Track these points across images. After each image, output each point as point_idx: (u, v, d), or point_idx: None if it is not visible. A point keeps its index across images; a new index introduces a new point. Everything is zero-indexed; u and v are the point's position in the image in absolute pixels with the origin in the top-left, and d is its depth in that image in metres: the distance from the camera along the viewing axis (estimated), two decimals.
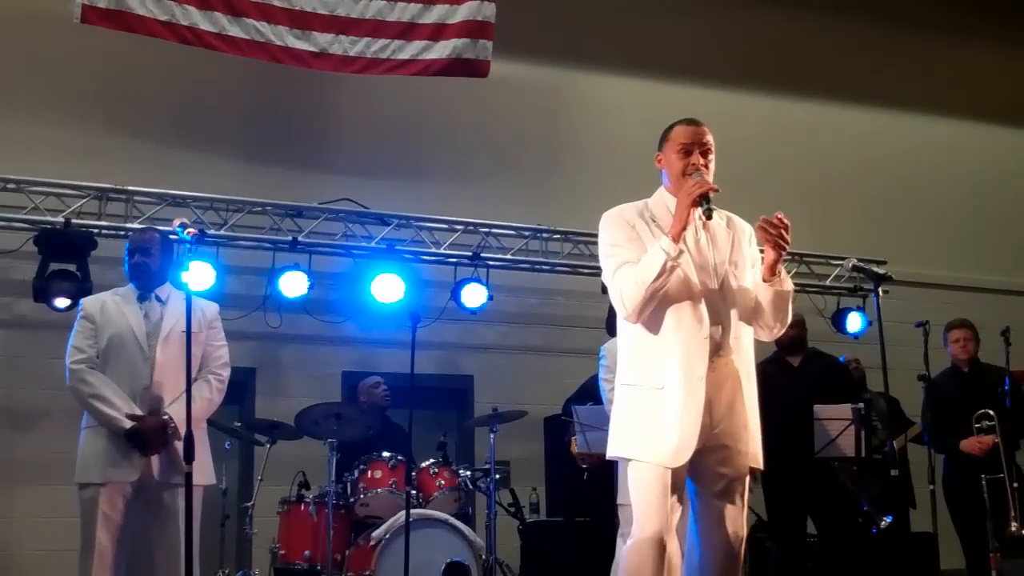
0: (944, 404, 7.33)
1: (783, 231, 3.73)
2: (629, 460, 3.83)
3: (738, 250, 3.93)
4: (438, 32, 8.24)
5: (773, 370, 7.52)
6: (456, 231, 8.56)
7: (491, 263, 8.49)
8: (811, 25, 10.53)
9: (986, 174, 11.07)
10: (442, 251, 8.49)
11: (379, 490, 6.65)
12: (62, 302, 7.22)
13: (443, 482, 6.80)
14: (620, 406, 3.89)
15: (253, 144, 8.58)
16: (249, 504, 6.70)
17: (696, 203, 3.71)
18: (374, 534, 6.41)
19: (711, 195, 3.72)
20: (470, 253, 8.47)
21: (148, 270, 5.18)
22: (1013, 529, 6.66)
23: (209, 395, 5.18)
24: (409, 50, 8.18)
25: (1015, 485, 6.75)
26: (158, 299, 5.16)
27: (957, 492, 7.25)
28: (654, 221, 3.89)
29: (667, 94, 9.93)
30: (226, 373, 5.31)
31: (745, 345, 3.91)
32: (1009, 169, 11.21)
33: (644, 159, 9.32)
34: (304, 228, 8.15)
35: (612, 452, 3.90)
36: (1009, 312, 7.73)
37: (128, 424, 4.86)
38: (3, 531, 7.41)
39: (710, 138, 3.96)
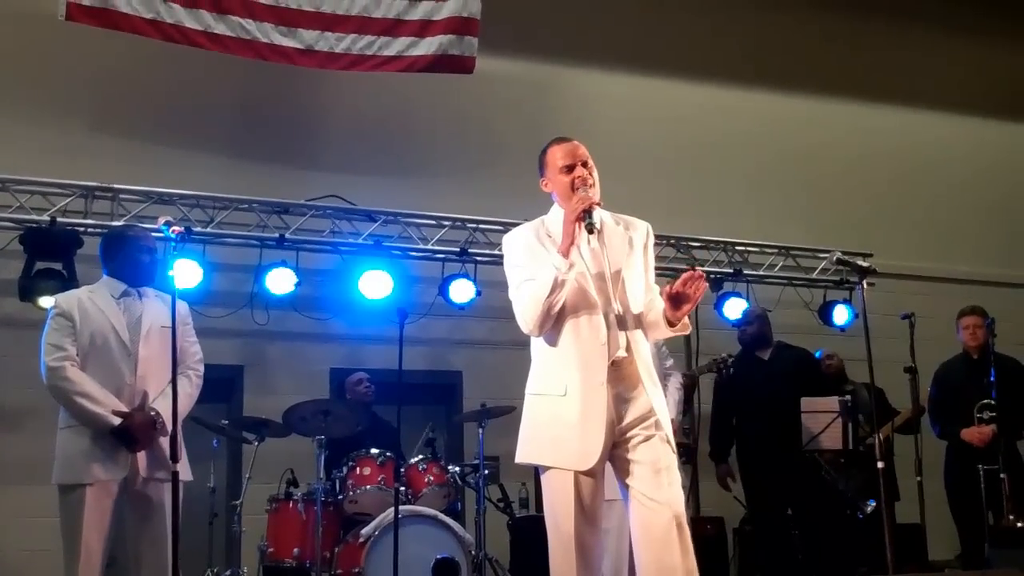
0: (950, 390, 7.38)
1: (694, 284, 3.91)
2: (541, 467, 4.00)
3: (634, 254, 4.08)
4: (424, 29, 8.23)
5: (743, 366, 7.59)
6: (443, 227, 8.55)
7: (479, 259, 8.48)
8: (800, 19, 10.55)
9: (973, 167, 11.10)
10: (429, 247, 8.48)
11: (368, 487, 6.66)
12: (48, 301, 7.14)
13: (432, 478, 6.81)
14: (528, 415, 4.06)
15: (239, 141, 8.56)
16: (237, 502, 6.70)
17: (580, 218, 3.87)
18: (363, 531, 6.41)
19: (593, 208, 3.91)
20: (458, 249, 8.46)
21: (156, 270, 5.18)
22: (1009, 520, 6.70)
23: (190, 390, 5.17)
24: (395, 47, 8.16)
25: (1002, 476, 6.79)
26: (138, 295, 5.14)
27: (956, 481, 7.29)
28: (550, 237, 4.04)
29: (654, 89, 9.97)
30: (202, 368, 5.29)
31: (643, 344, 4.05)
32: (996, 162, 11.26)
33: (630, 155, 9.41)
34: (291, 225, 8.13)
35: (521, 458, 4.06)
36: (995, 304, 7.73)
37: (116, 421, 4.82)
38: None
39: (584, 149, 4.12)
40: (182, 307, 5.27)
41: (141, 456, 4.87)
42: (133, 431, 4.83)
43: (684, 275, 3.92)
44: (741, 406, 7.47)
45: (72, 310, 4.99)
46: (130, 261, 5.15)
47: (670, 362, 6.84)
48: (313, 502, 6.43)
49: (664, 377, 6.64)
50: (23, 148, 7.71)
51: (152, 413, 4.90)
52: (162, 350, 4.90)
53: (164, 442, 4.82)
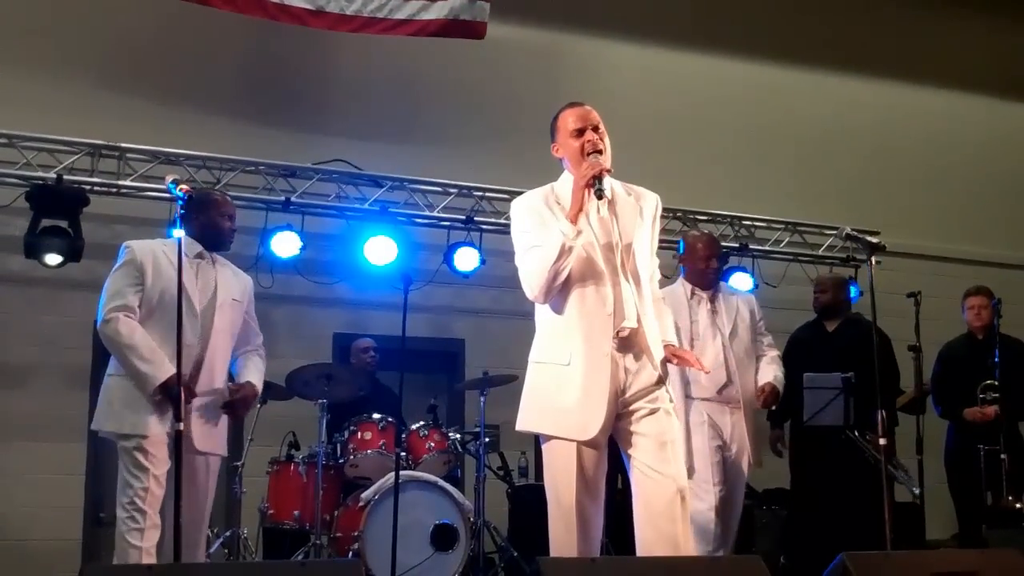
0: (953, 369, 7.37)
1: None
2: (543, 436, 3.99)
3: (643, 224, 4.08)
4: None
5: (806, 336, 7.50)
6: (450, 194, 8.53)
7: (484, 227, 8.47)
8: None
9: (980, 146, 11.04)
10: (435, 214, 8.46)
11: (369, 451, 6.69)
12: (53, 259, 7.21)
13: (433, 445, 6.84)
14: (531, 383, 4.05)
15: (247, 103, 8.52)
16: (239, 464, 6.74)
17: (589, 184, 3.85)
18: (363, 495, 6.44)
19: (604, 175, 3.88)
20: (463, 217, 8.44)
21: (232, 238, 5.19)
22: (1008, 500, 6.72)
23: (263, 368, 5.27)
24: (406, 10, 8.10)
25: (1003, 456, 6.80)
26: (212, 261, 5.06)
27: (957, 460, 7.29)
28: (559, 204, 4.01)
29: (664, 60, 9.91)
30: (264, 351, 5.38)
31: (652, 315, 4.04)
32: (1003, 141, 11.19)
33: (641, 124, 9.34)
34: (297, 188, 8.11)
35: (522, 426, 4.05)
36: (1002, 285, 7.72)
37: (158, 383, 4.66)
38: None
39: (596, 115, 4.10)
40: (249, 281, 5.28)
41: (196, 427, 4.79)
42: (172, 395, 4.57)
43: (694, 360, 4.10)
44: (797, 376, 7.28)
45: (145, 262, 4.84)
46: (211, 224, 5.07)
47: (768, 339, 6.47)
48: (314, 465, 6.46)
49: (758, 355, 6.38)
50: (31, 105, 7.69)
51: (229, 385, 4.96)
52: (231, 324, 4.96)
53: (224, 421, 4.96)
